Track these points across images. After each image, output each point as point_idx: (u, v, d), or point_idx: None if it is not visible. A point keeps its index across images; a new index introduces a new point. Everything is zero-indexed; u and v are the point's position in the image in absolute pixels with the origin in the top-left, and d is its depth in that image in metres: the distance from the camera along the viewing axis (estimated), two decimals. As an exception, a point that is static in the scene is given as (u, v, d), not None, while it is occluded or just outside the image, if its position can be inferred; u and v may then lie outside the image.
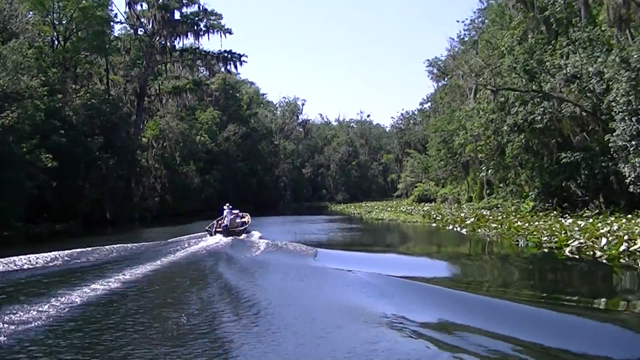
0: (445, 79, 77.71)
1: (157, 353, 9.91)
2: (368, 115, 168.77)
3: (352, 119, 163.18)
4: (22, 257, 20.58)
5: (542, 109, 35.12)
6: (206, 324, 12.02)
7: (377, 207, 70.47)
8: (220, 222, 32.15)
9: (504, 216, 36.13)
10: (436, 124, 54.33)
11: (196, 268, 20.83)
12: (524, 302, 13.39)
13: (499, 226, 30.86)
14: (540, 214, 35.76)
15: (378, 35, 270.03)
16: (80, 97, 52.18)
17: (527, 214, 36.70)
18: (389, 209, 63.94)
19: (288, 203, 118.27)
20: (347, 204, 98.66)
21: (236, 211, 33.48)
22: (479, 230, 31.76)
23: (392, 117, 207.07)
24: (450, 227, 35.59)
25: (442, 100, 60.09)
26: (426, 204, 68.95)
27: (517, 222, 31.16)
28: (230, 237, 29.92)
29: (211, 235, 30.42)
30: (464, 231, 32.79)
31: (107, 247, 24.25)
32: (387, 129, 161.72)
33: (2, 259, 19.80)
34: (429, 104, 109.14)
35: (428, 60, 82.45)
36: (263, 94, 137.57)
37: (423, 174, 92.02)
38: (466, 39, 73.62)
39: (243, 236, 31.14)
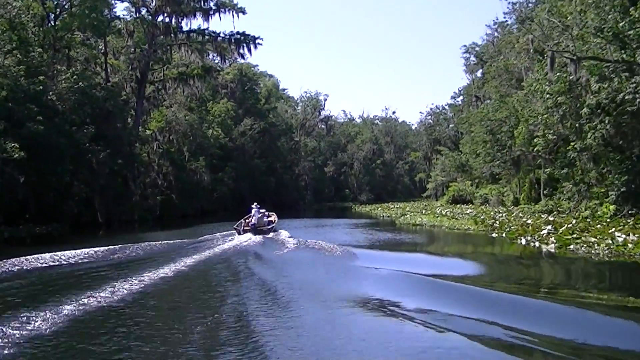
0: (484, 66, 69.82)
1: (191, 347, 10.24)
2: (393, 112, 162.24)
3: (376, 116, 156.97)
4: (59, 253, 21.55)
5: (634, 85, 26.99)
6: (241, 320, 12.22)
7: (409, 209, 62.07)
8: (247, 220, 32.73)
9: (585, 224, 27.54)
10: (482, 111, 45.99)
11: (229, 265, 21.11)
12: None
13: (609, 241, 21.71)
14: (629, 220, 27.75)
15: (403, 29, 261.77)
16: (66, 80, 44.84)
17: (611, 220, 28.60)
18: (423, 211, 55.72)
19: (309, 203, 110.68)
20: (372, 205, 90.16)
21: (263, 210, 34.00)
22: (573, 246, 22.69)
23: (420, 112, 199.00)
24: (522, 240, 26.54)
25: (487, 85, 51.56)
26: (463, 206, 60.72)
27: (618, 234, 22.71)
28: (260, 236, 30.57)
29: (239, 234, 31.21)
30: (550, 248, 23.37)
31: (137, 244, 25.24)
32: (414, 127, 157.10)
33: (42, 255, 21.00)
34: (462, 97, 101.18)
35: (464, 46, 74.34)
36: (283, 89, 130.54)
37: (456, 173, 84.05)
38: (509, 21, 65.70)
39: (271, 235, 31.77)
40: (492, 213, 42.28)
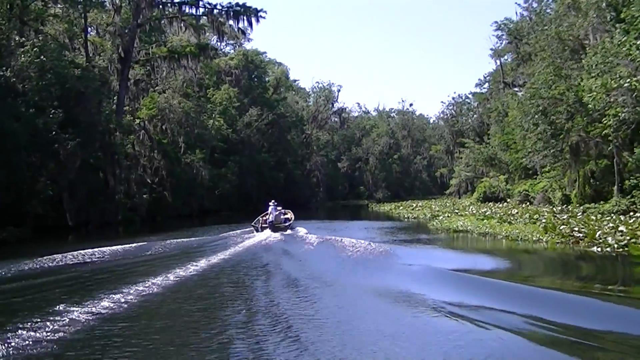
0: (518, 45, 61.55)
1: (231, 339, 10.57)
2: (410, 104, 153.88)
3: (392, 109, 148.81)
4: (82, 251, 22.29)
5: None
6: (277, 313, 12.46)
7: (438, 209, 52.91)
8: (265, 218, 33.30)
9: None
10: (531, 87, 37.39)
11: (259, 262, 21.34)
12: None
13: None
14: None
15: (420, 17, 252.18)
16: (24, 54, 37.06)
17: None
18: (456, 211, 46.98)
19: (321, 201, 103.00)
20: (391, 204, 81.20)
21: (279, 208, 34.10)
22: None
23: (442, 102, 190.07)
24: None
25: (528, 63, 42.84)
26: (498, 205, 51.98)
27: None
28: (278, 233, 31.10)
29: (257, 231, 31.92)
30: None
31: (164, 242, 26.11)
32: (432, 120, 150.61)
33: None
34: (487, 84, 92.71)
35: (496, 22, 65.70)
36: (294, 80, 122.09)
37: (484, 167, 75.94)
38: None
39: (289, 232, 32.17)
40: (547, 214, 33.44)
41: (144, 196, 48.84)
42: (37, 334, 10.57)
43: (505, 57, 78.25)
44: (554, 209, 38.23)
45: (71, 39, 48.99)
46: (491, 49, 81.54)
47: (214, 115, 67.30)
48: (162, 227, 44.33)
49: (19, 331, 10.68)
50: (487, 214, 37.56)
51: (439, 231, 35.54)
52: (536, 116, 36.86)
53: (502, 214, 36.68)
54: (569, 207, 38.99)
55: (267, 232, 31.21)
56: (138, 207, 48.10)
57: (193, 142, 60.20)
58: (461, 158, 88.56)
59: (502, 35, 65.97)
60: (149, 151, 52.97)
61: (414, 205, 64.89)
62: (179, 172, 56.96)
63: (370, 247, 23.76)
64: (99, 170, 44.70)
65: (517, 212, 36.54)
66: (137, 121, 52.88)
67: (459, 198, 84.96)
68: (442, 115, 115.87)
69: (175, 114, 56.23)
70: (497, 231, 30.18)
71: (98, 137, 41.82)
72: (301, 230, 32.59)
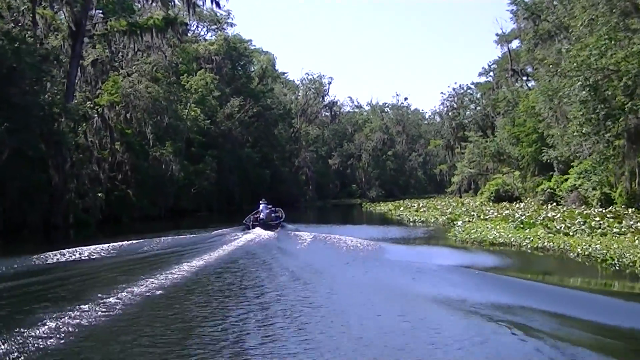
0: (536, 22, 54.40)
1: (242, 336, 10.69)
2: (405, 99, 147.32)
3: (386, 103, 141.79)
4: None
5: None
6: (281, 311, 12.53)
7: (450, 211, 44.92)
8: (256, 216, 34.03)
9: None
10: (578, 55, 29.22)
11: (257, 259, 21.43)
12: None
13: None
14: None
15: (415, 8, 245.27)
16: None
17: None
18: (474, 213, 38.90)
19: (310, 200, 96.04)
20: (388, 204, 72.52)
21: (270, 206, 34.88)
22: None
23: (441, 93, 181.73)
24: None
25: (575, 21, 34.72)
26: (516, 205, 44.64)
27: None
28: (270, 231, 31.53)
29: (249, 228, 32.15)
30: None
31: (158, 239, 25.94)
32: (427, 115, 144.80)
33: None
34: (492, 73, 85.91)
35: (511, -5, 58.69)
36: (283, 73, 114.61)
37: (491, 163, 69.24)
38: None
39: (280, 229, 32.61)
40: (607, 220, 25.81)
41: (99, 195, 40.99)
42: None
43: (518, 39, 70.69)
44: (601, 211, 30.79)
45: (13, 8, 41.32)
46: (497, 35, 74.76)
47: (189, 104, 59.65)
48: (123, 230, 37.05)
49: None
50: (521, 219, 29.58)
51: (467, 243, 26.64)
52: (583, 92, 29.05)
53: (541, 218, 28.90)
54: (615, 208, 31.59)
55: (258, 229, 31.59)
56: (90, 208, 40.42)
57: (163, 134, 52.48)
58: (463, 154, 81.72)
59: (517, 10, 58.61)
60: (110, 143, 45.19)
61: (416, 205, 57.26)
62: (146, 167, 49.33)
63: (359, 242, 24.94)
64: (44, 164, 37.01)
65: (559, 217, 28.80)
66: (97, 108, 45.03)
67: (460, 197, 78.31)
68: (440, 109, 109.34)
69: (141, 100, 48.34)
70: (560, 246, 21.72)
71: (35, 124, 33.92)
72: (291, 228, 33.48)
